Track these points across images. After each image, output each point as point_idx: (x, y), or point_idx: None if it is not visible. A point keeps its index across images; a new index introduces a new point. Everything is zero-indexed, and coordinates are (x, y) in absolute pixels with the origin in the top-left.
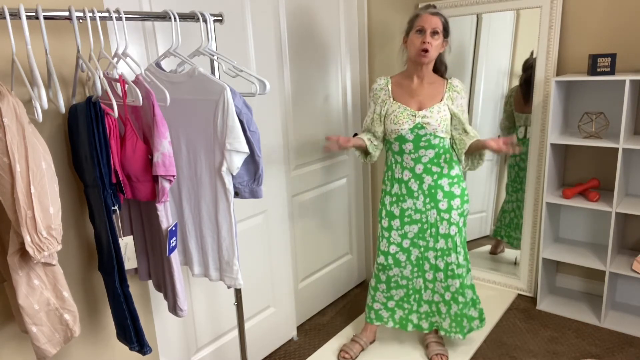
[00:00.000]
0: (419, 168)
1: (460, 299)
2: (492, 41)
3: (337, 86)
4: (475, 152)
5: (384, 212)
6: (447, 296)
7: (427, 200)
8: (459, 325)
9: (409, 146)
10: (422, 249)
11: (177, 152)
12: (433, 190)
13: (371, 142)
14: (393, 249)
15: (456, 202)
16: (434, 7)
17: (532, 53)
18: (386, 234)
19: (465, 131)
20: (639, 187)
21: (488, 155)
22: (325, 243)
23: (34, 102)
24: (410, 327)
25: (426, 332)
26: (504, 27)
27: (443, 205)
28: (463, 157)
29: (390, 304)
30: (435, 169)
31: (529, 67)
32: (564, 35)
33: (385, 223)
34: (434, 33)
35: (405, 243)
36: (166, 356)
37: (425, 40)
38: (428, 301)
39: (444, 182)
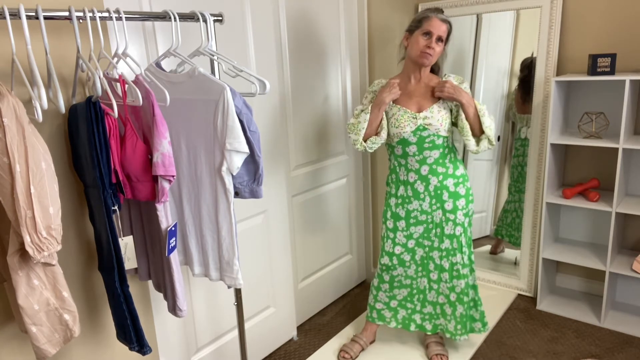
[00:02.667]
0: (425, 169)
1: (465, 299)
2: (492, 41)
3: (337, 86)
4: (472, 123)
5: (389, 214)
6: (453, 297)
7: (434, 201)
8: (464, 327)
9: (412, 149)
10: (427, 248)
11: (177, 152)
12: (439, 191)
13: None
14: (398, 249)
15: (461, 202)
16: (442, 11)
17: (532, 53)
18: (391, 235)
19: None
20: (639, 187)
21: (488, 154)
22: (325, 243)
23: (34, 102)
24: (413, 327)
25: (429, 333)
26: (504, 27)
27: (448, 205)
28: (470, 137)
29: (393, 303)
30: (440, 169)
31: (524, 67)
32: (564, 35)
33: (390, 224)
34: (439, 40)
35: (410, 243)
36: (166, 356)
37: (431, 46)
38: (432, 302)
39: (450, 182)
